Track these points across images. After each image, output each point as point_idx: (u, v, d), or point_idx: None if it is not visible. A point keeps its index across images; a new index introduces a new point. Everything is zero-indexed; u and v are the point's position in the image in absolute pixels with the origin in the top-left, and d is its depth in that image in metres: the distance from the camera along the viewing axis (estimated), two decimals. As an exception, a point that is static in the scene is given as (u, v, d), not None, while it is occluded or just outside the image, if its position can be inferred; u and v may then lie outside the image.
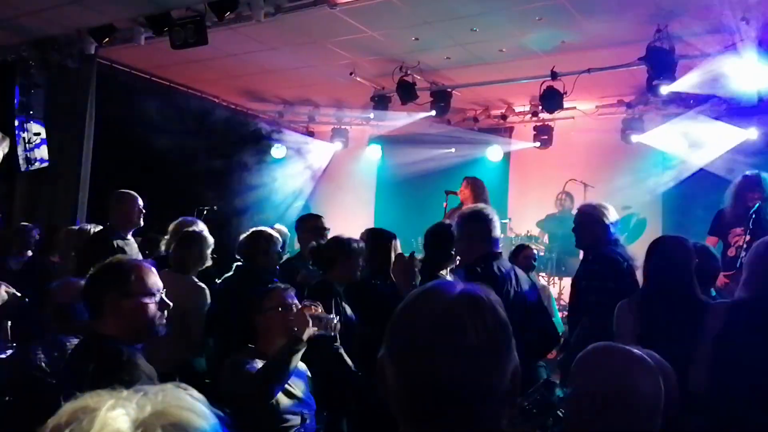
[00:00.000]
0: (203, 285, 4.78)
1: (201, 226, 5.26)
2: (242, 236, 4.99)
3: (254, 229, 5.09)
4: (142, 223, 5.24)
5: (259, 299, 3.46)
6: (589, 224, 4.58)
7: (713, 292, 4.27)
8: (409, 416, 1.22)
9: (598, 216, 4.56)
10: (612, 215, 4.59)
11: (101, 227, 5.48)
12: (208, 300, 4.68)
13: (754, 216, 5.38)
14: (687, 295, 3.54)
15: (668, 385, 1.91)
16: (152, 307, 2.59)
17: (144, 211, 5.22)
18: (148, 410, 0.79)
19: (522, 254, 6.61)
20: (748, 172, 5.84)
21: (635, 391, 1.86)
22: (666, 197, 8.74)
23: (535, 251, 8.13)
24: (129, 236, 5.22)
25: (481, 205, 4.35)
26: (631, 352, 1.94)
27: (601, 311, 4.05)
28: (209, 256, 4.91)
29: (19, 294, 4.50)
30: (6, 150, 2.62)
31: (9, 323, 4.42)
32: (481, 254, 3.89)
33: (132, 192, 5.25)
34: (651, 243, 3.80)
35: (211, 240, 4.96)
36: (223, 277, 5.04)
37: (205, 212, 7.43)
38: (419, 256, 5.97)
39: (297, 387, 3.39)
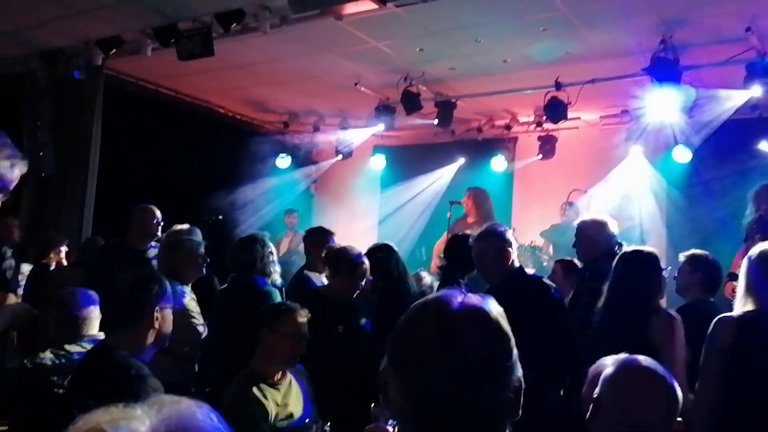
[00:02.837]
0: (187, 290, 4.68)
1: (193, 233, 5.19)
2: (234, 243, 4.93)
3: (247, 234, 5.04)
4: (159, 233, 5.26)
5: (274, 317, 3.45)
6: (588, 239, 4.65)
7: (711, 299, 4.30)
8: (413, 428, 1.22)
9: (598, 230, 4.63)
10: (613, 228, 4.65)
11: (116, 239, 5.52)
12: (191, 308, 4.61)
13: (755, 225, 5.42)
14: (635, 306, 3.59)
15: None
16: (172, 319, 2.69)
17: (162, 222, 5.25)
18: None
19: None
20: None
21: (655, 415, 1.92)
22: (670, 207, 8.73)
23: (544, 260, 8.14)
24: (147, 247, 5.26)
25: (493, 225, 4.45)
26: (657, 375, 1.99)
27: (588, 328, 4.11)
28: (198, 260, 4.68)
29: (27, 305, 4.53)
30: (24, 170, 2.64)
31: (16, 332, 4.44)
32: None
33: (150, 206, 5.29)
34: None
35: (193, 244, 4.82)
36: (219, 290, 5.00)
37: (211, 222, 7.44)
38: (424, 272, 6.05)
39: (294, 403, 3.40)
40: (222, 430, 0.85)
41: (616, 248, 4.60)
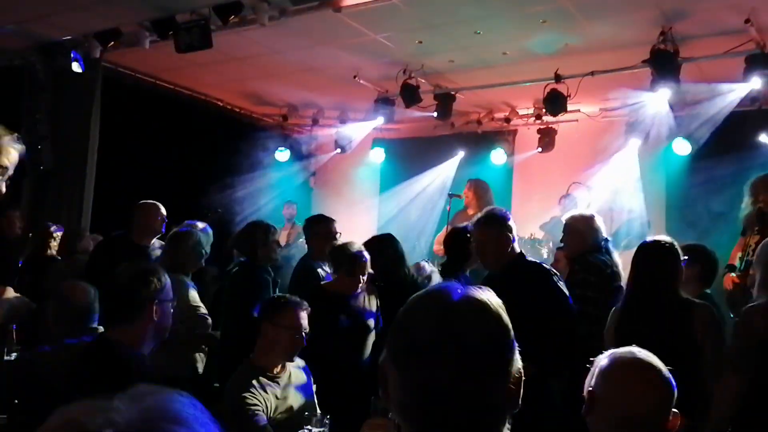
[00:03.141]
0: (192, 283, 4.78)
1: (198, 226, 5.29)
2: (238, 230, 5.02)
3: (250, 221, 5.12)
4: (163, 230, 5.32)
5: (274, 310, 3.45)
6: (576, 234, 4.68)
7: (708, 291, 4.32)
8: (413, 421, 1.22)
9: (587, 225, 4.67)
10: (599, 223, 4.69)
11: (103, 236, 5.57)
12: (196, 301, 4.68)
13: (757, 217, 5.43)
14: (669, 297, 3.56)
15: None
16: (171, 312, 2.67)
17: (166, 220, 5.30)
18: (137, 427, 0.76)
19: None
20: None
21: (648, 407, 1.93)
22: (670, 200, 8.74)
23: (544, 253, 8.15)
24: (150, 243, 5.31)
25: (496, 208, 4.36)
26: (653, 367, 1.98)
27: (581, 319, 4.12)
28: (202, 252, 4.92)
29: (26, 298, 4.54)
30: (21, 150, 2.68)
31: (14, 326, 4.44)
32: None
33: (154, 202, 5.33)
34: (636, 250, 3.85)
35: (201, 237, 4.95)
36: (230, 274, 5.08)
37: (209, 215, 7.45)
38: (424, 262, 6.07)
39: (294, 396, 3.41)
40: (205, 420, 0.84)
41: (603, 242, 4.67)
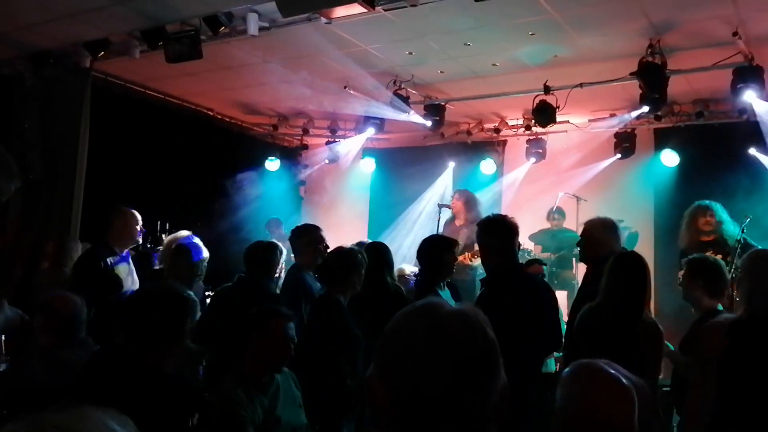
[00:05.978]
0: (195, 298, 4.80)
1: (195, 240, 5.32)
2: (257, 246, 4.99)
3: (270, 241, 5.14)
4: (140, 240, 5.32)
5: (264, 321, 3.44)
6: (595, 242, 4.62)
7: (721, 308, 4.22)
8: (400, 433, 1.22)
9: (605, 233, 4.59)
10: (619, 232, 4.65)
11: (91, 244, 5.57)
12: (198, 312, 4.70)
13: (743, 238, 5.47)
14: (628, 311, 3.60)
15: (644, 404, 1.91)
16: None
17: (143, 230, 5.31)
18: None
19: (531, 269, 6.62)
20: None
21: (609, 416, 1.86)
22: (658, 210, 8.78)
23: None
24: (125, 252, 5.29)
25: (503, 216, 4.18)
26: (609, 376, 1.93)
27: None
28: (202, 267, 4.99)
29: (21, 312, 4.53)
30: (19, 185, 2.65)
31: (3, 337, 4.41)
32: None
33: (132, 210, 5.33)
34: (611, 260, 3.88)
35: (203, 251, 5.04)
36: (222, 287, 5.06)
37: (198, 224, 7.44)
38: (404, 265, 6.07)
39: (281, 407, 3.39)
40: None
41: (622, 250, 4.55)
